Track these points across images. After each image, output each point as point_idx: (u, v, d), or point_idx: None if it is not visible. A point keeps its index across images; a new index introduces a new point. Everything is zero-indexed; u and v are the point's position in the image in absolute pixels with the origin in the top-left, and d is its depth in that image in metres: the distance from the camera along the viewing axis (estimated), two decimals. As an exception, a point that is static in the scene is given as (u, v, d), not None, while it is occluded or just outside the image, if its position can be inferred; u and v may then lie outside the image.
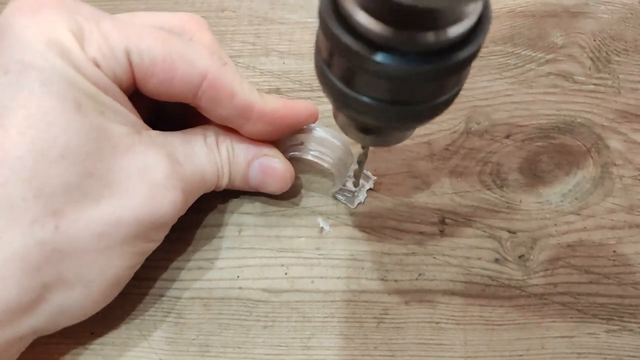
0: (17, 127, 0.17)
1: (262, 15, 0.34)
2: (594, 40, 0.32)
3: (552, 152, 0.28)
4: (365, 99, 0.16)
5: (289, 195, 0.27)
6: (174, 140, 0.22)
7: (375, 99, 0.16)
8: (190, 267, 0.25)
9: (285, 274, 0.25)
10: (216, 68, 0.21)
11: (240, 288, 0.24)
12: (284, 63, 0.31)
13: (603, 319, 0.23)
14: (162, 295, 0.24)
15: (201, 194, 0.24)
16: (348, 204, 0.26)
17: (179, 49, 0.21)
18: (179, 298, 0.24)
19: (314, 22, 0.33)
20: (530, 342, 0.23)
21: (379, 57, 0.14)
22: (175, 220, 0.22)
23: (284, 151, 0.25)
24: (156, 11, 0.24)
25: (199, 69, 0.21)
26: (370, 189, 0.27)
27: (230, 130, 0.24)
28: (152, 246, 0.22)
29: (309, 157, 0.26)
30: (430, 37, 0.14)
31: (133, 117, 0.21)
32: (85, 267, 0.19)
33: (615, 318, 0.23)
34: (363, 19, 0.14)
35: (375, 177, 0.27)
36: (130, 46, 0.20)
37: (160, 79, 0.21)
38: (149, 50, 0.20)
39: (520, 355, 0.23)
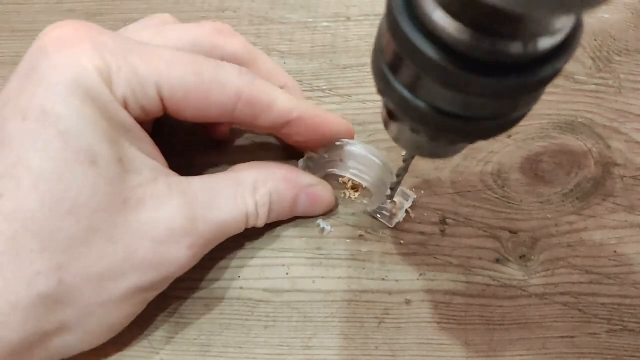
0: (30, 180, 0.17)
1: (263, 15, 0.34)
2: (595, 40, 0.32)
3: (553, 152, 0.28)
4: (427, 108, 0.14)
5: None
6: (197, 187, 0.21)
7: (438, 110, 0.14)
8: (191, 267, 0.25)
9: (287, 274, 0.25)
10: (247, 85, 0.21)
11: (241, 288, 0.24)
12: (284, 63, 0.31)
13: (604, 319, 0.23)
14: (162, 295, 0.24)
15: (223, 240, 0.23)
16: (386, 223, 0.26)
17: (210, 74, 0.20)
18: (180, 298, 0.24)
19: (314, 22, 0.33)
20: (532, 342, 0.23)
21: (454, 64, 0.12)
22: (182, 273, 0.22)
23: (322, 167, 0.26)
24: (168, 17, 0.24)
25: (232, 91, 0.21)
26: (409, 207, 0.26)
27: (267, 168, 0.24)
28: (154, 295, 0.22)
29: (348, 175, 0.26)
30: (517, 47, 0.12)
31: (152, 163, 0.21)
32: (85, 317, 0.20)
33: (616, 318, 0.23)
34: (440, 18, 0.12)
35: (415, 196, 0.26)
36: (161, 80, 0.20)
37: (195, 107, 0.21)
38: (181, 82, 0.20)
39: (521, 356, 0.23)
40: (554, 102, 0.30)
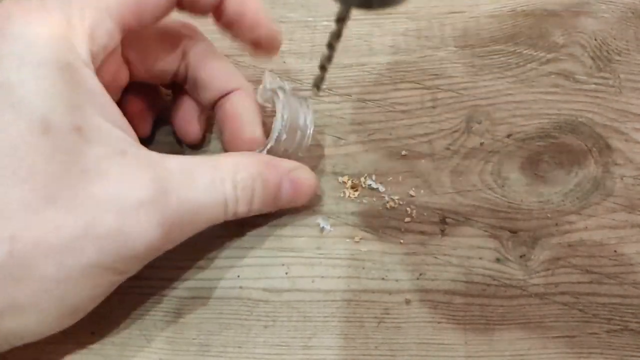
0: None
1: (263, 14, 0.34)
2: (595, 40, 0.32)
3: (553, 151, 0.28)
4: None
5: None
6: (172, 165, 0.20)
7: None
8: (190, 267, 0.25)
9: (286, 273, 0.25)
10: None
11: (240, 287, 0.24)
12: (284, 62, 0.31)
13: (604, 318, 0.23)
14: (162, 295, 0.24)
15: (202, 229, 0.22)
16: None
17: None
18: (179, 298, 0.24)
19: (314, 21, 0.33)
20: (532, 342, 0.23)
21: None
22: (152, 255, 0.20)
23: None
24: None
25: None
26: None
27: (251, 155, 0.23)
28: (121, 278, 0.21)
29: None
30: None
31: (119, 133, 0.20)
32: (41, 295, 0.18)
33: (617, 318, 0.23)
34: None
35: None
36: (111, 8, 0.20)
37: (149, 15, 0.21)
38: None
39: (522, 355, 0.23)
40: (554, 101, 0.30)
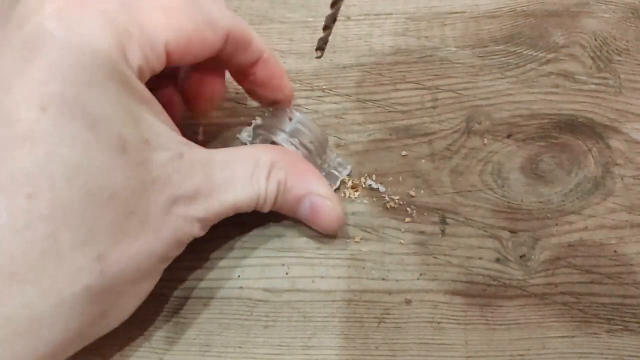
0: (64, 174, 0.17)
1: (263, 14, 0.34)
2: (595, 40, 0.32)
3: (553, 151, 0.28)
4: None
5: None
6: (217, 164, 0.22)
7: None
8: (191, 267, 0.25)
9: (286, 273, 0.25)
10: (234, 23, 0.22)
11: (241, 288, 0.24)
12: (284, 62, 0.31)
13: (604, 319, 0.23)
14: (162, 295, 0.24)
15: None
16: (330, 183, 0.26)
17: (202, 17, 0.21)
18: (180, 298, 0.24)
19: (314, 21, 0.33)
20: (532, 342, 0.23)
21: None
22: None
23: (268, 130, 0.25)
24: None
25: (223, 31, 0.21)
26: (348, 175, 0.27)
27: (287, 155, 0.24)
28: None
29: (287, 143, 0.25)
30: None
31: (175, 136, 0.20)
32: (122, 299, 0.20)
33: (617, 318, 0.23)
34: None
35: (350, 168, 0.27)
36: (168, 37, 0.19)
37: (192, 54, 0.21)
38: (181, 32, 0.20)
39: (522, 355, 0.23)
40: (554, 101, 0.30)
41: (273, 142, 0.25)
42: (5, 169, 0.16)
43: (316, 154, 0.26)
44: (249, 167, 0.22)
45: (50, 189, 0.16)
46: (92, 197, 0.17)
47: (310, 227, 0.26)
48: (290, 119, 0.25)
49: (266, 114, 0.26)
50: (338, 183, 0.27)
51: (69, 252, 0.17)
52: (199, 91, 0.25)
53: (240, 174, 0.22)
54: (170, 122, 0.21)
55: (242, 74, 0.25)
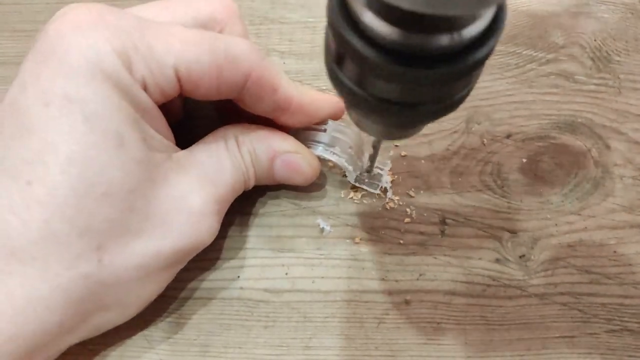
0: (60, 165, 0.18)
1: (263, 15, 0.34)
2: (595, 40, 0.32)
3: (552, 152, 0.28)
4: (374, 99, 0.15)
5: (290, 195, 0.27)
6: (201, 158, 0.22)
7: (385, 100, 0.15)
8: (191, 267, 0.25)
9: (286, 274, 0.25)
10: (258, 64, 0.21)
11: (241, 288, 0.24)
12: (284, 63, 0.31)
13: (604, 319, 0.23)
14: (162, 295, 0.24)
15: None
16: (373, 191, 0.27)
17: (223, 51, 0.20)
18: (180, 298, 0.24)
19: (314, 21, 0.33)
20: (531, 342, 0.23)
21: (389, 61, 0.13)
22: (211, 240, 0.22)
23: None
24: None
25: (243, 69, 0.21)
26: (389, 171, 0.27)
27: (248, 128, 0.24)
28: (180, 269, 0.23)
29: (324, 153, 0.25)
30: (443, 40, 0.13)
31: (166, 142, 0.21)
32: (124, 294, 0.20)
33: (616, 318, 0.23)
34: (372, 21, 0.13)
35: (390, 164, 0.27)
36: (178, 61, 0.20)
37: (207, 86, 0.21)
38: (197, 62, 0.20)
39: (521, 356, 0.23)
40: (554, 102, 0.30)
41: None
42: (11, 155, 0.18)
43: (357, 158, 0.26)
44: (224, 150, 0.22)
45: (46, 177, 0.17)
46: (88, 188, 0.18)
47: (310, 227, 0.26)
48: (325, 130, 0.25)
49: (296, 133, 0.25)
50: (383, 181, 0.27)
51: (67, 239, 0.18)
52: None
53: (222, 158, 0.22)
54: (167, 129, 0.22)
55: (276, 120, 0.24)
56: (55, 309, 0.18)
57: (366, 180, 0.27)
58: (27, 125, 0.18)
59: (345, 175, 0.27)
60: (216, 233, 0.22)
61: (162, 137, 0.21)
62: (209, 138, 0.23)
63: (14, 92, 0.19)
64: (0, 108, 0.19)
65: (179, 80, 0.20)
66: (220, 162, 0.22)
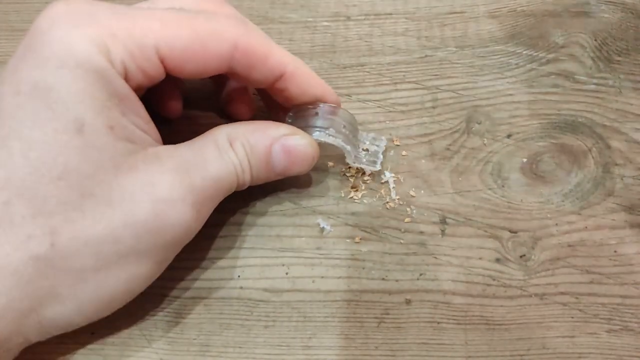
0: (20, 149, 0.18)
1: (263, 15, 0.34)
2: (595, 40, 0.32)
3: (553, 151, 0.28)
4: None
5: (290, 195, 0.27)
6: (183, 151, 0.21)
7: None
8: (191, 267, 0.25)
9: (286, 273, 0.25)
10: (244, 34, 0.21)
11: (241, 288, 0.24)
12: (284, 62, 0.31)
13: (604, 318, 0.23)
14: (162, 295, 0.24)
15: (220, 201, 0.23)
16: (372, 168, 0.27)
17: (204, 26, 0.21)
18: (180, 298, 0.24)
19: (314, 21, 0.33)
20: (531, 342, 0.23)
21: None
22: (188, 238, 0.22)
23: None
24: None
25: (228, 41, 0.21)
26: (383, 150, 0.27)
27: (240, 124, 0.23)
28: (157, 270, 0.21)
29: (320, 136, 0.25)
30: None
31: (140, 133, 0.21)
32: (79, 285, 0.19)
33: (617, 318, 0.23)
34: None
35: (384, 139, 0.28)
36: (158, 41, 0.20)
37: (193, 63, 0.21)
38: (177, 38, 0.20)
39: (521, 355, 0.23)
40: (554, 102, 0.30)
41: None
42: None
43: (352, 136, 0.26)
44: (212, 146, 0.22)
45: (8, 161, 0.18)
46: (44, 171, 0.18)
47: (310, 227, 0.26)
48: (317, 113, 0.25)
49: (288, 119, 0.25)
50: (381, 156, 0.27)
51: (21, 220, 0.18)
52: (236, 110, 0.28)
53: (208, 153, 0.22)
54: (148, 125, 0.22)
55: (272, 91, 0.24)
56: (1, 290, 0.18)
57: (364, 160, 0.27)
58: None
59: (345, 174, 0.27)
60: (193, 227, 0.21)
61: (137, 128, 0.21)
62: (198, 138, 0.23)
63: None
64: None
65: (162, 60, 0.20)
66: (202, 155, 0.22)
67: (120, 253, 0.19)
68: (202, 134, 0.23)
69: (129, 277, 0.20)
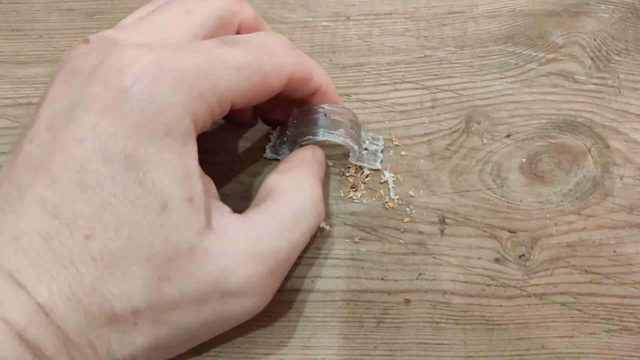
0: (114, 224, 0.18)
1: (262, 14, 0.34)
2: (595, 40, 0.32)
3: (552, 151, 0.28)
4: None
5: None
6: (257, 220, 0.21)
7: None
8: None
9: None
10: (296, 63, 0.22)
11: (239, 287, 0.24)
12: (284, 62, 0.31)
13: (603, 318, 0.23)
14: (161, 295, 0.24)
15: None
16: (373, 165, 0.27)
17: (269, 66, 0.21)
18: (179, 297, 0.24)
19: (313, 21, 0.33)
20: (531, 342, 0.23)
21: None
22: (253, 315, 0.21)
23: (299, 131, 0.25)
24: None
25: (287, 74, 0.22)
26: (382, 150, 0.28)
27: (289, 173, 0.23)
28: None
29: (325, 137, 0.25)
30: None
31: (208, 199, 0.20)
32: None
33: (616, 318, 0.23)
34: None
35: (382, 138, 0.28)
36: (236, 94, 0.20)
37: (255, 99, 0.21)
38: (249, 86, 0.20)
39: (521, 355, 0.23)
40: (553, 101, 0.30)
41: (305, 143, 0.25)
42: (71, 207, 0.18)
43: (357, 135, 0.26)
44: (289, 213, 0.22)
45: (102, 235, 0.18)
46: (134, 250, 0.18)
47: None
48: (325, 115, 0.25)
49: (294, 121, 0.25)
50: (380, 155, 0.28)
51: (109, 298, 0.18)
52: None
53: (285, 220, 0.21)
54: (211, 186, 0.21)
55: (299, 103, 0.26)
56: None
57: (365, 159, 0.27)
58: (86, 180, 0.18)
59: (344, 174, 0.27)
60: (259, 309, 0.21)
61: (205, 191, 0.20)
62: (261, 193, 0.22)
63: (64, 134, 0.18)
64: (42, 140, 0.18)
65: (232, 105, 0.21)
66: (281, 225, 0.21)
67: (187, 338, 0.20)
68: (263, 187, 0.23)
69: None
